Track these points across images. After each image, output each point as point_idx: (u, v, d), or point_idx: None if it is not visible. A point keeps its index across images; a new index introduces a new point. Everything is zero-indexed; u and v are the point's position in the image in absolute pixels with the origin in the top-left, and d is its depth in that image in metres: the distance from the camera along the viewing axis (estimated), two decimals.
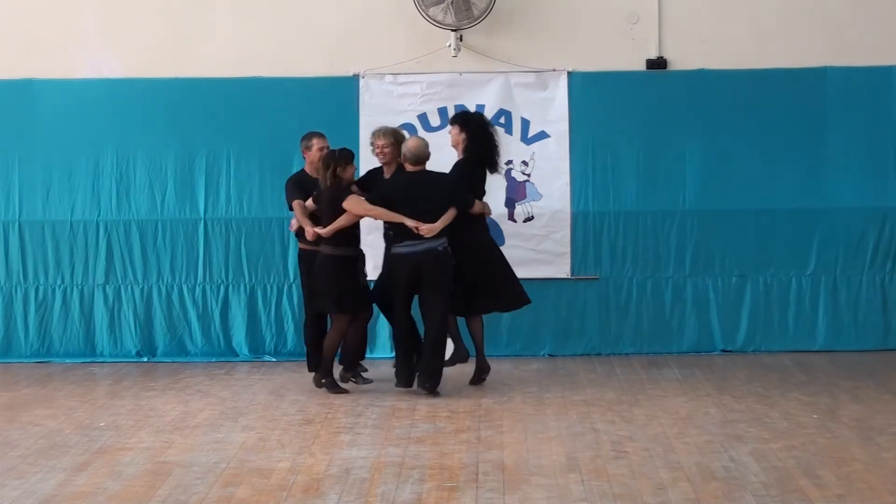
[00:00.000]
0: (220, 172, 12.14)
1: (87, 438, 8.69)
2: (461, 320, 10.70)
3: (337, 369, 10.41)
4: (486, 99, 12.09)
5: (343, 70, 12.10)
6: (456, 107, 12.07)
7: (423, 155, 10.23)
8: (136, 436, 8.78)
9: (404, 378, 10.20)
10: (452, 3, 11.77)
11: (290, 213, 10.72)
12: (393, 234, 10.24)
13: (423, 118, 12.08)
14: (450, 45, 11.93)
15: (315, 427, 9.03)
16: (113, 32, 12.22)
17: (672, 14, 12.14)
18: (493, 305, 10.70)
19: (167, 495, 7.21)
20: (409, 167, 10.23)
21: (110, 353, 12.16)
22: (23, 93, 12.16)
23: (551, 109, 12.11)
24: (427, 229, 10.00)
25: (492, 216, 11.94)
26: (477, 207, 10.43)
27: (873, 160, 12.05)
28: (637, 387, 10.48)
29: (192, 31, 12.20)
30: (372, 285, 10.50)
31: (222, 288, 12.17)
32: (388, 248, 10.38)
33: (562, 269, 12.09)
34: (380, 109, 12.00)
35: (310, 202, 10.38)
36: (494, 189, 11.96)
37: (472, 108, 12.07)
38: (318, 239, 10.21)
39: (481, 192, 10.59)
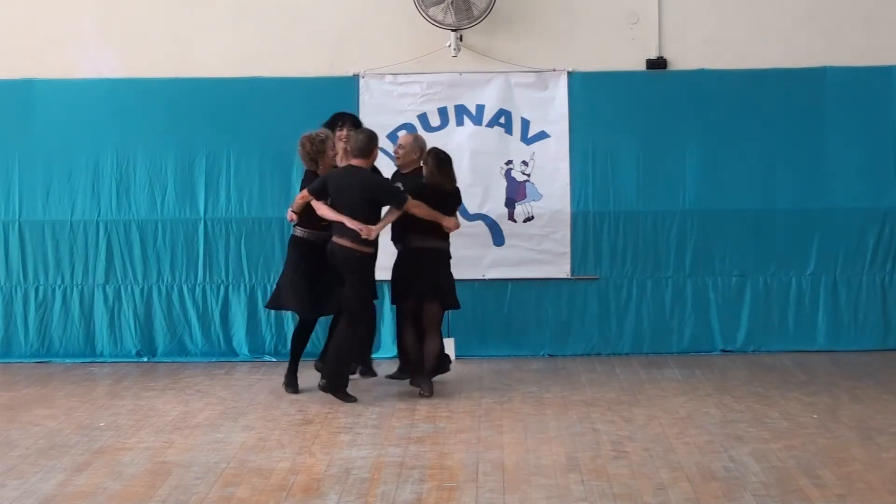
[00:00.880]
0: (220, 172, 12.14)
1: (87, 438, 8.70)
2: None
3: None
4: (486, 99, 12.09)
5: (343, 70, 12.10)
6: (456, 107, 12.08)
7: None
8: (136, 436, 8.79)
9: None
10: (452, 3, 11.77)
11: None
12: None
13: (423, 118, 12.07)
14: (450, 45, 11.93)
15: (315, 427, 9.03)
16: (113, 32, 12.22)
17: (672, 14, 12.14)
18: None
19: (167, 495, 7.21)
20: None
21: (110, 353, 12.16)
22: (23, 93, 12.16)
23: (551, 109, 12.10)
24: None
25: (491, 217, 11.98)
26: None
27: (873, 160, 12.05)
28: (637, 387, 10.48)
29: (192, 31, 12.20)
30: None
31: (222, 288, 12.17)
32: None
33: (562, 269, 12.09)
34: (380, 109, 12.00)
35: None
36: (494, 189, 11.99)
37: (473, 108, 12.09)
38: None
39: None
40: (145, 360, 12.10)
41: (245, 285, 12.14)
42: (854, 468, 7.64)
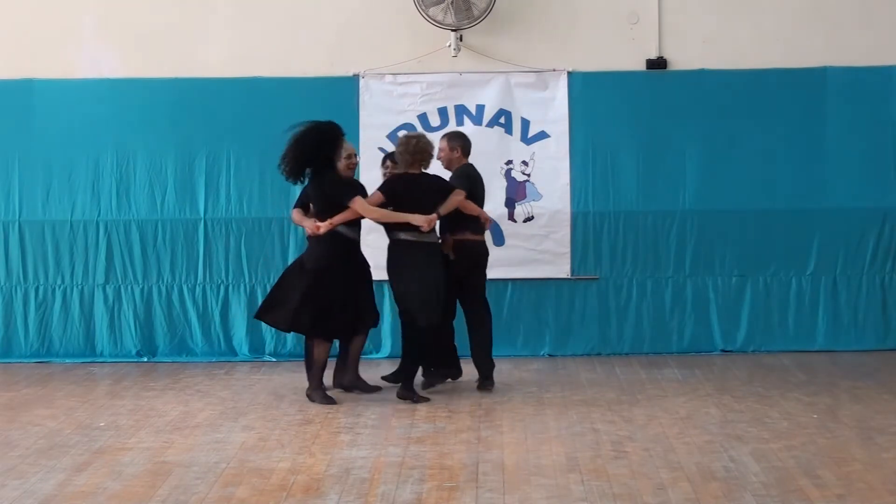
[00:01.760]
0: (220, 172, 12.14)
1: (87, 438, 8.69)
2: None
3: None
4: (486, 99, 12.09)
5: (343, 70, 12.10)
6: (456, 107, 12.09)
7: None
8: (136, 436, 8.78)
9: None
10: (452, 3, 11.77)
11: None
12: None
13: (423, 118, 12.08)
14: (450, 45, 11.94)
15: (315, 427, 9.03)
16: (113, 32, 12.23)
17: (672, 14, 12.14)
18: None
19: (167, 495, 7.21)
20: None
21: (110, 353, 12.16)
22: (23, 93, 12.16)
23: (551, 109, 12.11)
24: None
25: (490, 217, 11.97)
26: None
27: (873, 160, 12.06)
28: (637, 387, 10.48)
29: (192, 31, 12.21)
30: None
31: (222, 288, 12.17)
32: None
33: (562, 269, 12.10)
34: (380, 109, 12.01)
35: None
36: (494, 189, 11.98)
37: (473, 108, 12.10)
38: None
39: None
40: (145, 360, 12.10)
41: (245, 285, 12.14)
42: (854, 468, 7.63)
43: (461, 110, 12.08)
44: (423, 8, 11.83)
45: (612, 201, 12.09)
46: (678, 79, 12.12)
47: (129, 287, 12.18)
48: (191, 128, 12.12)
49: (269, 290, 12.04)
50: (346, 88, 12.06)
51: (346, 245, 9.90)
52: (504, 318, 12.05)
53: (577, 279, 12.12)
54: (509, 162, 12.07)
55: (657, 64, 12.11)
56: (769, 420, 9.07)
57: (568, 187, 12.07)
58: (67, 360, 12.07)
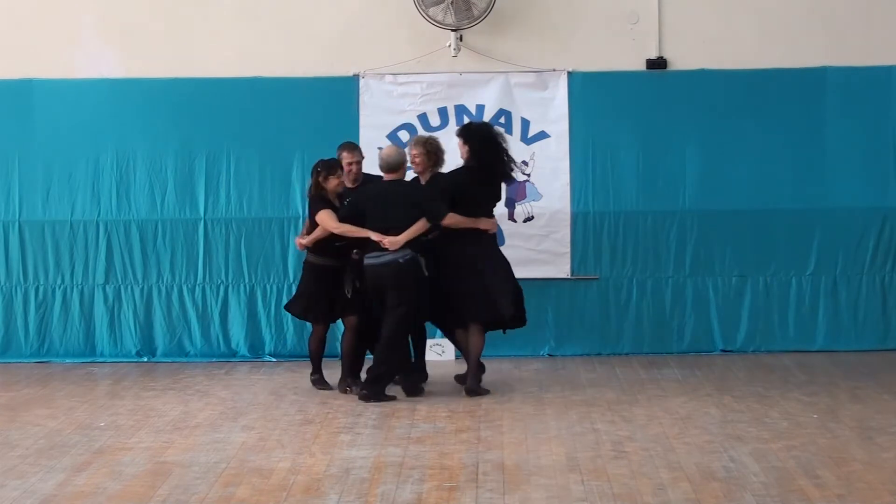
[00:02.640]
0: (220, 172, 12.14)
1: (87, 438, 8.69)
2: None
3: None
4: (486, 99, 12.09)
5: (343, 70, 12.10)
6: (456, 107, 12.08)
7: (395, 163, 10.10)
8: (136, 436, 8.78)
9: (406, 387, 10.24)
10: (452, 3, 11.77)
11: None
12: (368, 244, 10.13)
13: (423, 118, 12.07)
14: (450, 45, 11.93)
15: (315, 427, 9.03)
16: (113, 32, 12.22)
17: (672, 14, 12.13)
18: (468, 318, 10.23)
19: (167, 495, 7.21)
20: (384, 176, 10.17)
21: (110, 353, 12.16)
22: (23, 93, 12.16)
23: (551, 109, 12.11)
24: (389, 242, 9.84)
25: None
26: (450, 220, 10.02)
27: (873, 160, 12.05)
28: (637, 387, 10.48)
29: (192, 31, 12.20)
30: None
31: (222, 288, 12.17)
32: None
33: (562, 269, 12.09)
34: (380, 109, 12.00)
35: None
36: None
37: (473, 108, 12.08)
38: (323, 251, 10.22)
39: (475, 206, 10.18)
40: (145, 360, 12.10)
41: (245, 285, 12.14)
42: (854, 468, 7.63)
43: (461, 110, 12.08)
44: (423, 8, 11.83)
45: (612, 201, 12.08)
46: (678, 79, 12.11)
47: (129, 287, 12.18)
48: (191, 128, 12.12)
49: (267, 290, 12.12)
50: (346, 88, 12.06)
51: None
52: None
53: (577, 279, 12.11)
54: None
55: (657, 64, 12.11)
56: (769, 420, 9.07)
57: (568, 187, 12.07)
58: (67, 360, 12.07)
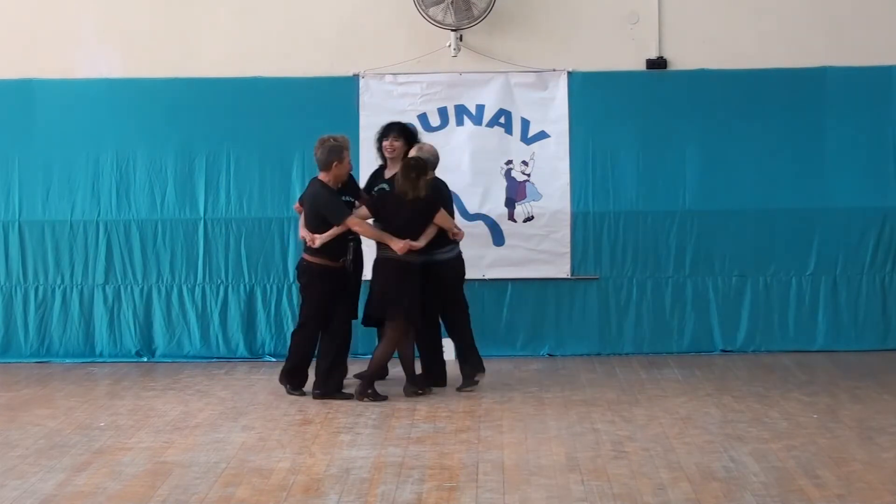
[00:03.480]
0: (220, 172, 12.14)
1: (87, 438, 8.69)
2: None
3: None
4: (486, 99, 12.09)
5: (343, 70, 12.10)
6: (456, 107, 12.08)
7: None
8: (136, 436, 8.78)
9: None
10: (452, 3, 11.76)
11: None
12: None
13: (423, 118, 12.07)
14: (450, 45, 11.93)
15: (315, 427, 9.03)
16: (113, 32, 12.22)
17: (672, 14, 12.13)
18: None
19: (167, 495, 7.21)
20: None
21: (110, 353, 12.15)
22: (23, 93, 12.15)
23: (551, 109, 12.10)
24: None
25: (491, 217, 11.98)
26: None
27: (873, 160, 12.05)
28: (637, 387, 10.48)
29: (192, 31, 12.20)
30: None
31: (222, 288, 12.16)
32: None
33: (562, 269, 12.09)
34: (380, 109, 11.99)
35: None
36: (495, 189, 11.98)
37: (473, 108, 12.09)
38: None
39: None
40: (145, 360, 12.10)
41: (245, 285, 12.14)
42: (854, 468, 7.64)
43: (461, 110, 12.08)
44: (423, 8, 11.82)
45: (612, 201, 12.08)
46: (678, 79, 12.11)
47: (129, 287, 12.18)
48: (191, 128, 12.12)
49: (267, 290, 12.11)
50: (346, 88, 12.06)
51: None
52: (504, 318, 12.05)
53: (577, 279, 12.11)
54: (509, 162, 12.06)
55: (657, 64, 12.11)
56: (769, 420, 9.07)
57: (568, 187, 12.07)
58: (67, 361, 12.06)
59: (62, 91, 12.14)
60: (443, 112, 12.07)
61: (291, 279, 11.99)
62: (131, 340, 12.17)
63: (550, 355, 12.07)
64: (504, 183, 12.06)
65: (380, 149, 10.66)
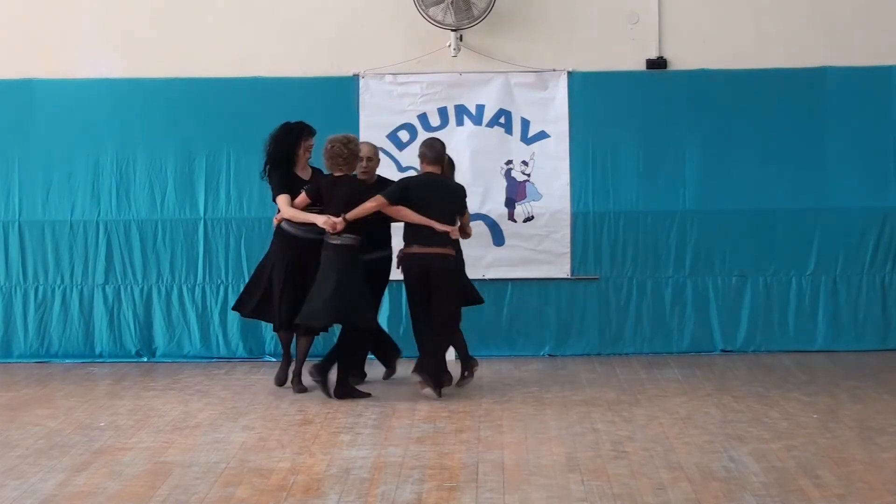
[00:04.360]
0: (220, 172, 12.14)
1: (87, 438, 8.69)
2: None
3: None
4: (486, 99, 12.09)
5: (343, 70, 12.10)
6: (456, 107, 12.08)
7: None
8: (136, 436, 8.78)
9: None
10: (452, 3, 11.77)
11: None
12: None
13: (422, 118, 12.08)
14: (450, 45, 11.93)
15: (315, 427, 9.03)
16: (113, 32, 12.23)
17: (672, 14, 12.14)
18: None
19: (167, 495, 7.21)
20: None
21: (110, 353, 12.16)
22: (23, 93, 12.16)
23: (551, 109, 12.11)
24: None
25: (491, 217, 11.98)
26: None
27: (873, 160, 12.05)
28: (637, 387, 10.48)
29: (192, 31, 12.20)
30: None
31: (222, 288, 12.17)
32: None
33: (562, 269, 12.09)
34: (380, 109, 12.00)
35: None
36: (495, 189, 11.99)
37: (473, 108, 12.10)
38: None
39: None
40: (145, 360, 12.10)
41: (245, 285, 12.12)
42: (854, 468, 7.63)
43: (461, 110, 12.08)
44: (423, 8, 11.83)
45: (612, 201, 12.09)
46: (678, 79, 12.11)
47: (129, 287, 12.18)
48: (191, 128, 12.12)
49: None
50: (346, 88, 12.06)
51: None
52: (504, 318, 12.06)
53: (577, 279, 12.11)
54: (509, 162, 12.06)
55: (657, 64, 12.11)
56: (769, 420, 9.07)
57: (568, 187, 12.07)
58: (67, 361, 12.07)
59: (62, 91, 12.15)
60: (443, 112, 12.07)
61: None
62: (131, 340, 12.17)
63: (550, 355, 12.07)
64: (504, 183, 12.06)
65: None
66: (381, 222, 10.17)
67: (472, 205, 11.84)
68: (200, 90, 12.11)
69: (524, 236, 12.07)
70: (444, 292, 9.92)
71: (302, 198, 10.14)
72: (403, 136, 11.98)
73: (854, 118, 12.03)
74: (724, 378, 10.83)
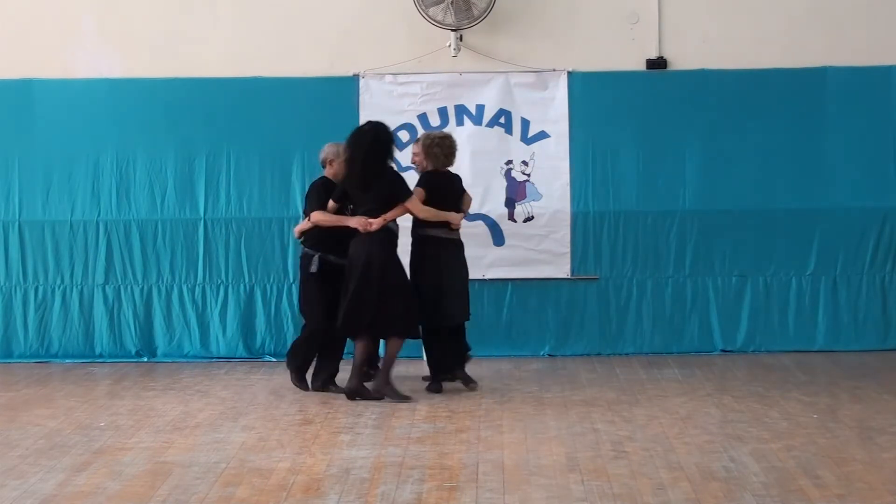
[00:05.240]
0: (220, 172, 12.14)
1: (87, 438, 8.69)
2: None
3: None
4: (486, 99, 12.09)
5: (343, 70, 12.10)
6: (456, 107, 12.08)
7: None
8: (136, 436, 8.78)
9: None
10: (452, 3, 11.77)
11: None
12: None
13: (422, 118, 12.08)
14: (450, 45, 11.94)
15: (315, 427, 9.03)
16: (113, 32, 12.22)
17: (672, 14, 12.14)
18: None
19: (167, 495, 7.21)
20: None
21: (110, 353, 12.16)
22: (23, 93, 12.16)
23: (551, 109, 12.11)
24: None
25: (491, 217, 11.98)
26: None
27: (873, 160, 12.06)
28: (637, 387, 10.48)
29: (192, 31, 12.21)
30: None
31: (222, 288, 12.17)
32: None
33: (562, 269, 12.09)
34: (380, 109, 11.99)
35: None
36: (495, 189, 11.98)
37: (473, 108, 12.10)
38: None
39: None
40: (145, 360, 12.10)
41: (245, 285, 12.14)
42: (854, 468, 7.63)
43: (461, 110, 12.08)
44: (423, 8, 11.83)
45: (612, 201, 12.09)
46: (678, 79, 12.11)
47: (129, 287, 12.18)
48: (191, 128, 12.12)
49: (267, 290, 12.11)
50: (346, 88, 12.06)
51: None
52: (504, 318, 12.06)
53: (577, 279, 12.12)
54: (509, 162, 12.07)
55: (657, 64, 12.11)
56: (769, 420, 9.07)
57: (568, 187, 12.07)
58: (67, 361, 12.06)
59: (62, 91, 12.15)
60: (443, 112, 12.07)
61: (291, 279, 12.00)
62: (131, 340, 12.17)
63: (550, 355, 12.07)
64: (504, 183, 12.06)
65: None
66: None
67: (473, 205, 11.85)
68: (200, 90, 12.10)
69: (524, 236, 12.07)
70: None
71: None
72: (403, 136, 11.97)
73: (854, 118, 12.03)
74: (724, 378, 10.84)
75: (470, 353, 10.42)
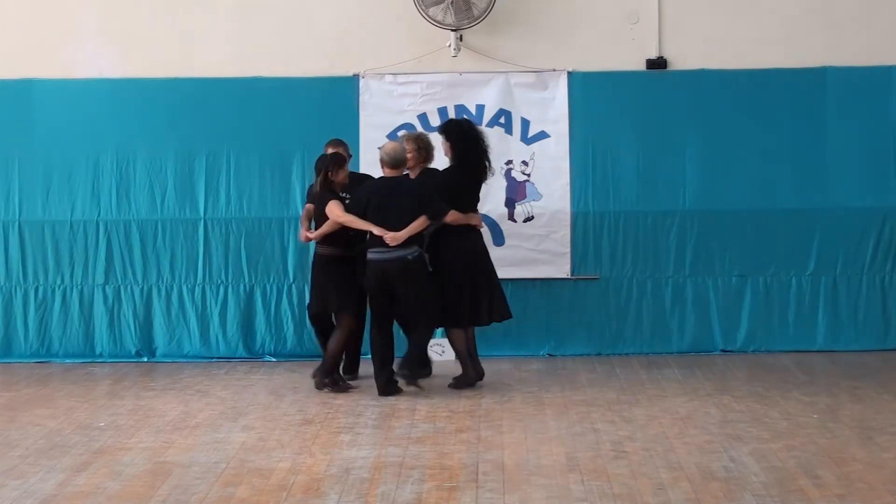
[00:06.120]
0: (220, 172, 12.14)
1: (87, 438, 8.70)
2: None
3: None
4: (486, 99, 12.09)
5: (343, 70, 12.10)
6: (456, 107, 12.08)
7: (401, 159, 10.22)
8: (136, 436, 8.79)
9: (379, 386, 10.17)
10: (452, 3, 11.76)
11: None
12: (368, 238, 10.20)
13: (422, 118, 12.07)
14: (450, 45, 11.93)
15: (315, 427, 9.03)
16: (113, 32, 12.22)
17: (672, 14, 12.14)
18: (474, 320, 10.48)
19: (167, 495, 7.21)
20: (385, 171, 10.23)
21: (110, 353, 12.15)
22: (23, 93, 12.15)
23: (551, 109, 12.10)
24: (391, 237, 9.94)
25: (491, 217, 11.97)
26: (450, 217, 10.22)
27: (873, 160, 12.05)
28: (637, 387, 10.48)
29: (192, 31, 12.20)
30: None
31: (222, 288, 12.16)
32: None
33: (562, 269, 12.09)
34: (380, 109, 12.00)
35: (308, 206, 10.54)
36: (494, 189, 11.97)
37: (473, 108, 12.08)
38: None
39: (465, 203, 10.39)
40: (145, 360, 12.10)
41: (245, 285, 12.14)
42: (854, 468, 7.64)
43: (461, 110, 12.08)
44: (423, 8, 11.82)
45: (612, 201, 12.08)
46: (678, 79, 12.11)
47: (129, 287, 12.18)
48: (190, 128, 12.12)
49: (267, 290, 12.11)
50: (346, 88, 12.06)
51: None
52: None
53: (577, 279, 12.11)
54: (509, 162, 12.06)
55: (657, 64, 12.11)
56: (769, 420, 9.07)
57: (568, 187, 12.07)
58: (67, 361, 12.06)
59: (62, 91, 12.14)
60: (443, 112, 12.06)
61: (291, 279, 12.01)
62: (131, 340, 12.17)
63: (550, 355, 12.07)
64: (504, 183, 12.06)
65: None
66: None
67: None
68: (200, 90, 12.10)
69: (524, 236, 12.07)
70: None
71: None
72: None
73: (854, 118, 12.03)
74: (724, 378, 10.84)
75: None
